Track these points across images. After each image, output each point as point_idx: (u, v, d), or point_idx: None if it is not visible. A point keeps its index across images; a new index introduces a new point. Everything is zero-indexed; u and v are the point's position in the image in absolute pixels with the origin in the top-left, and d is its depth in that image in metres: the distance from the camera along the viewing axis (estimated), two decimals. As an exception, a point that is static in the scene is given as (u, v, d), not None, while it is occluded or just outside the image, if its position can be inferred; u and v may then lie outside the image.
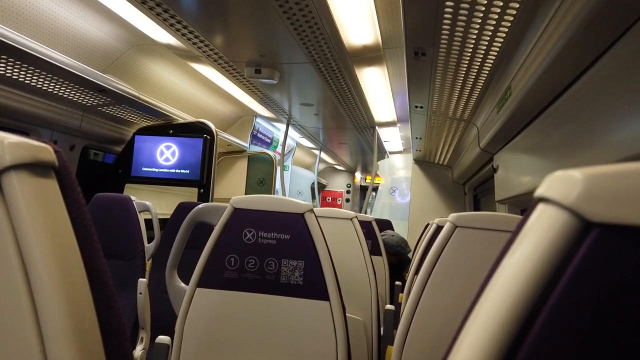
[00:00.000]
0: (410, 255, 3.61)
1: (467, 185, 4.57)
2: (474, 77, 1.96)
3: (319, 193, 8.24)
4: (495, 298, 0.28)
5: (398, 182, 5.99)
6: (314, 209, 2.07)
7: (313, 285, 1.18)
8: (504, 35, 1.51)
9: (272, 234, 1.21)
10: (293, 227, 1.20)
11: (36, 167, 0.35)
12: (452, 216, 1.18)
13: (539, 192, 0.29)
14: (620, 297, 0.25)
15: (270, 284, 1.20)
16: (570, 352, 0.26)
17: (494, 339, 0.27)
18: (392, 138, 5.53)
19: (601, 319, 0.26)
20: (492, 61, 1.75)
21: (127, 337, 0.37)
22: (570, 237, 0.27)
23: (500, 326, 0.27)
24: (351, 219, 2.13)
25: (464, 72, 1.93)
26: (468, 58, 1.76)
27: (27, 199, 0.33)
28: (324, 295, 1.17)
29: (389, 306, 2.13)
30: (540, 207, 0.29)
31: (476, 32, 1.53)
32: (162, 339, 1.35)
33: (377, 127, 4.84)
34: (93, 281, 0.36)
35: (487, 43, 1.60)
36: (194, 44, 2.68)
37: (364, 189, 10.20)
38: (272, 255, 1.20)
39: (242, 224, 1.22)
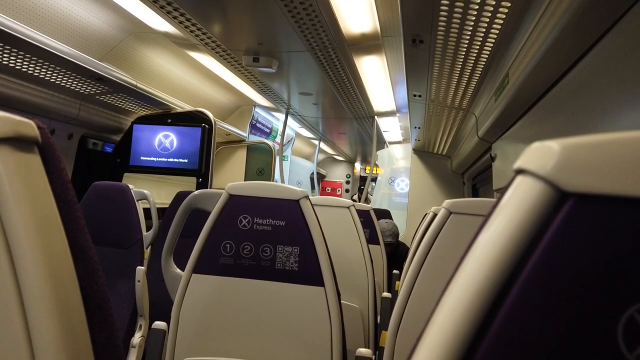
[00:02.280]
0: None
1: (466, 175, 4.57)
2: (471, 64, 1.95)
3: (318, 183, 8.25)
4: (470, 270, 0.28)
5: (397, 172, 5.99)
6: (312, 198, 2.07)
7: (308, 271, 1.18)
8: (501, 22, 1.50)
9: (268, 220, 1.21)
10: (288, 213, 1.21)
11: (18, 142, 0.35)
12: (447, 202, 1.18)
13: (517, 164, 0.29)
14: (595, 266, 0.26)
15: (265, 270, 1.20)
16: (545, 322, 0.26)
17: (468, 311, 0.27)
18: (391, 128, 5.52)
19: (575, 289, 0.26)
20: (489, 48, 1.74)
21: (111, 312, 0.37)
22: (546, 208, 0.27)
23: (474, 298, 0.27)
24: (348, 207, 2.14)
25: (461, 60, 1.92)
26: (466, 45, 1.76)
27: (9, 172, 0.33)
28: (319, 281, 1.18)
29: (385, 294, 2.14)
30: (518, 179, 0.29)
31: (473, 18, 1.52)
32: (159, 324, 1.36)
33: (376, 117, 4.83)
34: (76, 255, 0.36)
35: (484, 30, 1.59)
36: (191, 32, 2.66)
37: (363, 180, 10.20)
38: (267, 241, 1.21)
39: (238, 211, 1.23)
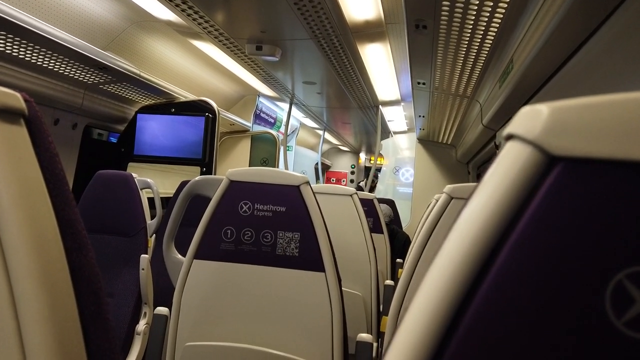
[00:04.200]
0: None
1: (471, 164, 4.54)
2: (475, 50, 1.93)
3: (323, 174, 8.24)
4: (456, 238, 0.28)
5: (402, 162, 5.97)
6: (315, 186, 2.07)
7: (308, 257, 1.18)
8: (505, 5, 1.48)
9: (268, 206, 1.21)
10: (289, 199, 1.20)
11: (4, 114, 0.34)
12: (448, 187, 1.17)
13: (507, 129, 0.29)
14: (583, 231, 0.25)
15: (266, 256, 1.21)
16: (532, 289, 0.25)
17: (453, 280, 0.26)
18: (396, 117, 5.49)
19: (563, 254, 0.25)
20: (493, 33, 1.72)
21: (100, 286, 0.37)
22: (534, 173, 0.26)
23: (459, 266, 0.26)
24: (351, 196, 2.13)
25: (465, 46, 1.90)
26: (470, 30, 1.73)
27: (-6, 144, 0.33)
28: (319, 267, 1.18)
29: (388, 281, 2.15)
30: (508, 145, 0.28)
31: (477, 2, 1.49)
32: (161, 310, 1.36)
33: (380, 106, 4.80)
34: (64, 229, 0.36)
35: (488, 14, 1.57)
36: (194, 20, 2.65)
37: (368, 170, 10.18)
38: (268, 227, 1.21)
39: (238, 196, 1.23)
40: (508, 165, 0.27)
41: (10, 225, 0.32)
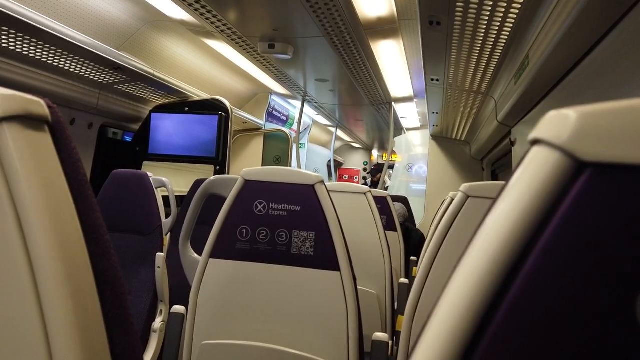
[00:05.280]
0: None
1: (485, 161, 4.50)
2: (490, 46, 1.90)
3: (335, 171, 8.24)
4: (480, 246, 0.27)
5: (415, 159, 5.93)
6: (329, 184, 2.06)
7: (324, 256, 1.18)
8: (522, 1, 1.46)
9: (283, 205, 1.22)
10: (303, 198, 1.21)
11: (29, 120, 0.35)
12: (464, 186, 1.16)
13: (533, 134, 0.28)
14: (612, 238, 0.24)
15: (281, 255, 1.21)
16: (558, 298, 0.25)
17: (478, 288, 0.26)
18: (409, 114, 5.46)
19: (591, 263, 0.25)
20: (509, 29, 1.69)
21: (123, 290, 0.38)
22: (562, 178, 0.25)
23: (484, 275, 0.26)
24: (365, 194, 2.13)
25: (480, 42, 1.88)
26: (484, 27, 1.71)
27: (20, 151, 0.33)
28: (334, 266, 1.18)
29: (402, 280, 2.14)
30: (534, 150, 0.28)
31: (492, -2, 1.48)
32: (177, 308, 1.38)
33: (393, 103, 4.78)
34: (88, 235, 0.36)
35: (504, 10, 1.55)
36: (207, 19, 2.66)
37: (380, 166, 10.16)
38: (283, 226, 1.21)
39: (253, 196, 1.23)
40: (535, 171, 0.27)
41: (37, 232, 0.33)
